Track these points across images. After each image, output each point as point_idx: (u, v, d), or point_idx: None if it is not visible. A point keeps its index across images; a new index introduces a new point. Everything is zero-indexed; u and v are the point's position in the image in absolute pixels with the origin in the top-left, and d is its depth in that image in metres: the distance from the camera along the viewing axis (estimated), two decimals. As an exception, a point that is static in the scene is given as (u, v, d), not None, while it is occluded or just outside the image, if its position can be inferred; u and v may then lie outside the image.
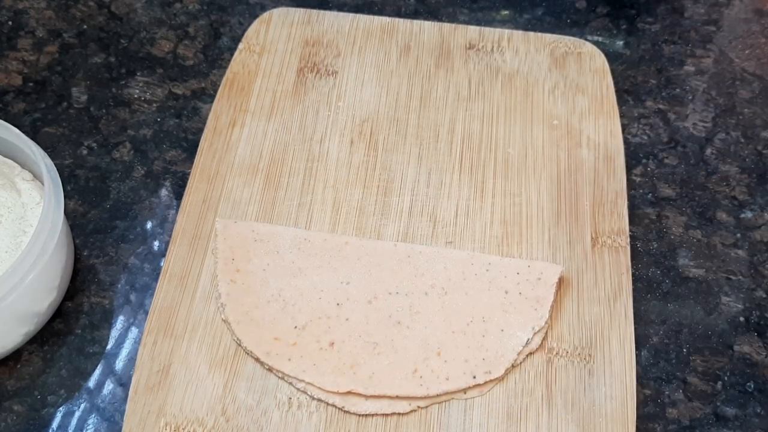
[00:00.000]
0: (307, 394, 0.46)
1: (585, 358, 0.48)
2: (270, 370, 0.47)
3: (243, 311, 0.49)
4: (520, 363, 0.48)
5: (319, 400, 0.46)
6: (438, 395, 0.46)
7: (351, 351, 0.47)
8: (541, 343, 0.48)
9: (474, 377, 0.47)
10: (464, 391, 0.47)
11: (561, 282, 0.50)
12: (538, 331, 0.48)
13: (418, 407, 0.46)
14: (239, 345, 0.48)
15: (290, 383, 0.47)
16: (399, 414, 0.46)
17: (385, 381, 0.46)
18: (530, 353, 0.48)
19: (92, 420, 0.47)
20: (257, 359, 0.47)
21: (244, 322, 0.48)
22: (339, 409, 0.46)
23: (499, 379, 0.47)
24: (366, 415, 0.46)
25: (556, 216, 0.53)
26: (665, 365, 0.50)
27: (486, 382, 0.47)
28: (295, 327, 0.48)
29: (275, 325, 0.48)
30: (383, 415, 0.46)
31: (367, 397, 0.46)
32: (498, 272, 0.50)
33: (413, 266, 0.50)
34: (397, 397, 0.46)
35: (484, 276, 0.50)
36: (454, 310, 0.49)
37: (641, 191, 0.57)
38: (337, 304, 0.49)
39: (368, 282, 0.50)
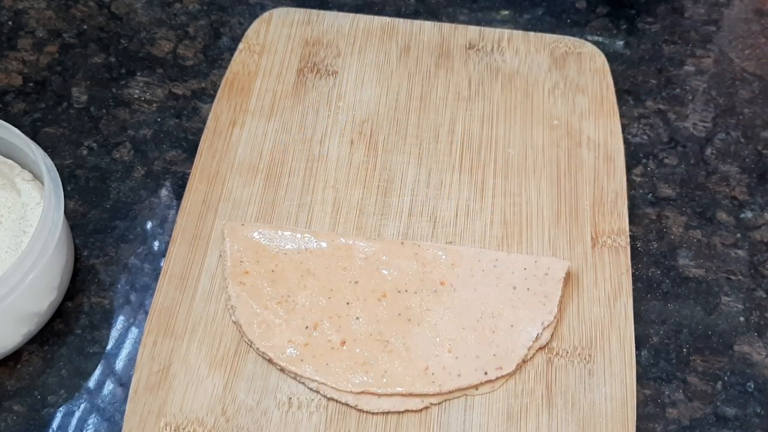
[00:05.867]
0: (320, 394, 0.47)
1: (585, 358, 0.48)
2: (283, 371, 0.47)
3: (254, 313, 0.49)
4: (530, 358, 0.48)
5: (331, 399, 0.46)
6: (450, 392, 0.46)
7: (362, 350, 0.47)
8: (551, 337, 0.48)
9: (485, 373, 0.47)
10: (476, 387, 0.47)
11: (568, 277, 0.50)
12: (548, 326, 0.48)
13: (431, 404, 0.46)
14: (251, 346, 0.48)
15: (302, 383, 0.47)
16: (411, 411, 0.46)
17: (397, 379, 0.46)
18: (540, 348, 0.48)
19: (92, 420, 0.47)
20: (270, 360, 0.47)
21: (255, 324, 0.48)
22: (352, 407, 0.46)
23: (511, 375, 0.47)
24: (376, 414, 0.46)
25: (556, 216, 0.53)
26: (665, 365, 0.50)
27: (497, 378, 0.47)
28: (306, 327, 0.48)
29: (287, 326, 0.48)
30: (396, 412, 0.46)
31: (380, 395, 0.46)
32: (505, 268, 0.50)
33: (420, 263, 0.50)
34: (410, 395, 0.46)
35: (492, 272, 0.50)
36: (463, 307, 0.49)
37: (641, 191, 0.57)
38: (347, 304, 0.49)
39: (377, 281, 0.50)
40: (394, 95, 0.59)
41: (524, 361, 0.48)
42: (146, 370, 0.47)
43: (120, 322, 0.51)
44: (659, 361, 0.50)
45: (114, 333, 0.51)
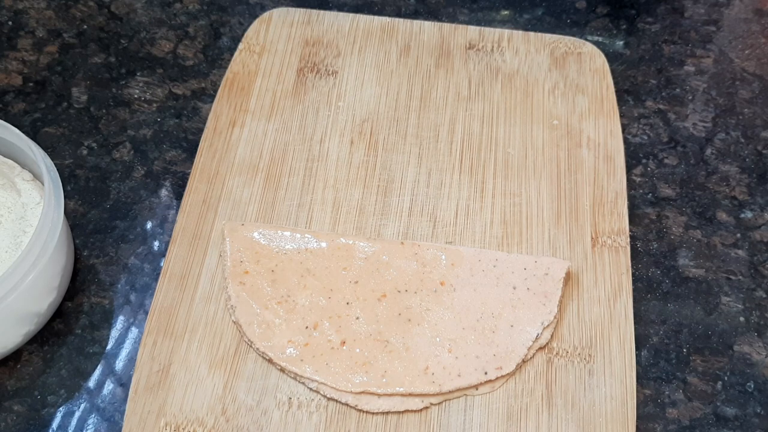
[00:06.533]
0: (320, 394, 0.47)
1: (585, 358, 0.48)
2: (282, 370, 0.47)
3: (254, 313, 0.49)
4: (530, 358, 0.48)
5: (331, 399, 0.46)
6: (450, 392, 0.46)
7: (362, 350, 0.48)
8: (551, 337, 0.48)
9: (485, 373, 0.47)
10: (476, 387, 0.47)
11: (568, 277, 0.50)
12: (548, 326, 0.48)
13: (431, 404, 0.46)
14: (251, 346, 0.48)
15: (302, 383, 0.47)
16: (411, 411, 0.46)
17: (397, 379, 0.46)
18: (540, 348, 0.48)
19: (92, 420, 0.47)
20: (270, 360, 0.47)
21: (255, 324, 0.48)
22: (352, 407, 0.46)
23: (511, 375, 0.47)
24: (376, 414, 0.46)
25: (556, 216, 0.53)
26: (665, 365, 0.50)
27: (497, 378, 0.47)
28: (306, 327, 0.48)
29: (286, 326, 0.48)
30: (396, 412, 0.46)
31: (379, 395, 0.46)
32: (505, 268, 0.50)
33: (420, 263, 0.50)
34: (410, 395, 0.46)
35: (492, 272, 0.50)
36: (463, 307, 0.49)
37: (641, 191, 0.57)
38: (347, 304, 0.49)
39: (377, 280, 0.50)
40: (394, 95, 0.59)
41: (524, 361, 0.48)
42: (146, 370, 0.47)
43: (120, 322, 0.51)
44: (659, 361, 0.50)
45: (114, 333, 0.51)
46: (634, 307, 0.50)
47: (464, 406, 0.47)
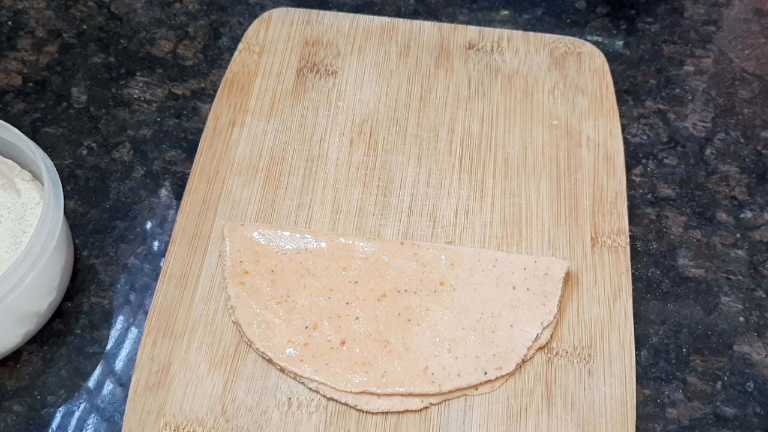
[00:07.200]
0: (320, 394, 0.47)
1: (585, 358, 0.48)
2: (282, 370, 0.47)
3: (253, 313, 0.49)
4: (530, 358, 0.48)
5: (331, 399, 0.46)
6: (450, 392, 0.46)
7: (362, 350, 0.48)
8: (551, 337, 0.48)
9: (485, 373, 0.47)
10: (476, 387, 0.47)
11: (568, 277, 0.50)
12: (547, 326, 0.48)
13: (431, 404, 0.46)
14: (250, 346, 0.48)
15: (302, 383, 0.47)
16: (411, 411, 0.46)
17: (397, 379, 0.47)
18: (540, 348, 0.48)
19: (92, 420, 0.47)
20: (270, 360, 0.47)
21: (255, 324, 0.48)
22: (352, 407, 0.46)
23: (510, 375, 0.47)
24: (376, 414, 0.46)
25: (555, 216, 0.53)
26: (665, 365, 0.50)
27: (497, 378, 0.47)
28: (306, 327, 0.48)
29: (286, 326, 0.48)
30: (396, 412, 0.46)
31: (379, 395, 0.46)
32: (505, 268, 0.50)
33: (420, 263, 0.50)
34: (410, 395, 0.46)
35: (491, 272, 0.50)
36: (463, 307, 0.49)
37: (641, 191, 0.57)
38: (347, 304, 0.49)
39: (376, 280, 0.50)
40: (393, 95, 0.59)
41: (524, 361, 0.48)
42: (146, 370, 0.47)
43: (120, 322, 0.51)
44: (659, 361, 0.50)
45: (114, 333, 0.51)
46: (633, 307, 0.50)
47: (464, 406, 0.47)
